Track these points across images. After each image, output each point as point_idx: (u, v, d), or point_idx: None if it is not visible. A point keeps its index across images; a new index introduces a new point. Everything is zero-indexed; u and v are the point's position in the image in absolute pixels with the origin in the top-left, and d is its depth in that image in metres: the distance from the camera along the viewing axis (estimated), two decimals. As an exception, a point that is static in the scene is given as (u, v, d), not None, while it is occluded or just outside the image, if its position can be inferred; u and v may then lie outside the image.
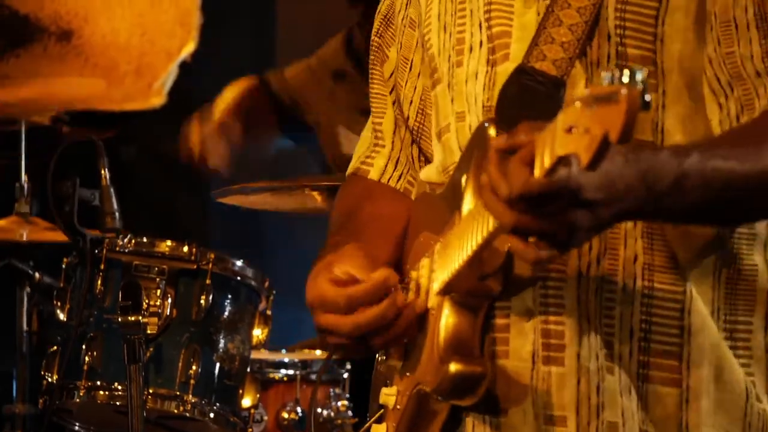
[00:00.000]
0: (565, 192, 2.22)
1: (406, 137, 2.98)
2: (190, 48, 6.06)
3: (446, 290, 2.54)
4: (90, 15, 6.20)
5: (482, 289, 2.55)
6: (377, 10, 3.08)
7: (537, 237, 2.30)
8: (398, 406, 2.71)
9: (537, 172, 2.17)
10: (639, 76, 2.02)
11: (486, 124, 2.54)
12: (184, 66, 6.07)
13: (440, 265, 2.60)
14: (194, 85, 6.38)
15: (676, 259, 2.62)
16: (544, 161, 2.16)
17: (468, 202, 2.48)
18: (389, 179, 3.00)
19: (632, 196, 2.36)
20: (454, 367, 2.49)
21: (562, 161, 2.14)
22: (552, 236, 2.30)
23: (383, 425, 2.76)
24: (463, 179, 2.54)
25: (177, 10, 6.16)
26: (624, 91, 2.03)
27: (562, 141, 2.13)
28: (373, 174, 3.03)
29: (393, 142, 3.01)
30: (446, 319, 2.56)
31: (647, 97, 2.05)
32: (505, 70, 2.62)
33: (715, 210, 2.55)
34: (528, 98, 2.59)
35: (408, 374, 2.71)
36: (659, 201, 2.42)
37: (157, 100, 6.06)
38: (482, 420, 2.64)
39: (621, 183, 2.34)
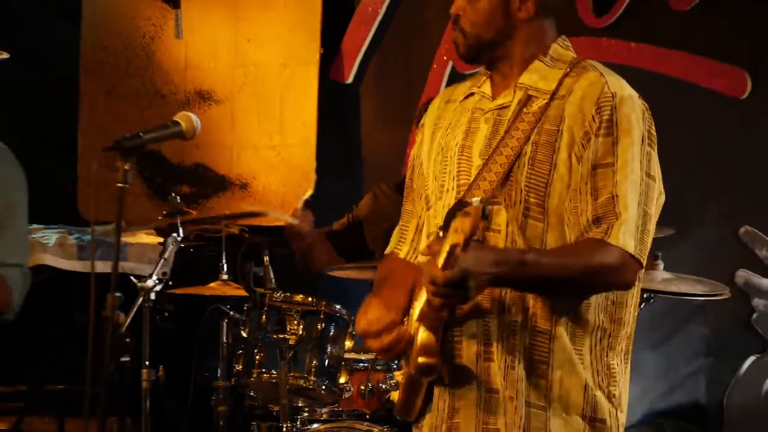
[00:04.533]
0: (456, 272, 3.03)
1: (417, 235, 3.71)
2: (309, 193, 7.66)
3: (419, 319, 3.37)
4: (257, 175, 7.98)
5: (438, 319, 3.34)
6: (411, 156, 3.82)
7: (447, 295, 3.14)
8: (403, 381, 3.56)
9: (439, 263, 3.07)
10: (484, 203, 3.01)
11: (438, 232, 3.24)
12: (307, 201, 7.42)
13: (417, 306, 3.43)
14: (316, 214, 7.02)
15: (549, 310, 3.40)
16: (440, 258, 3.05)
17: None
18: (409, 258, 3.75)
19: (491, 271, 3.19)
20: (421, 359, 3.33)
21: (452, 248, 2.99)
22: (455, 295, 3.16)
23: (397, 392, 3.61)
24: None
25: (302, 171, 7.77)
26: (474, 209, 2.97)
27: (452, 237, 3.00)
28: (401, 254, 3.76)
29: (412, 239, 3.72)
30: (420, 335, 3.35)
31: (486, 211, 3.02)
32: None
33: (546, 286, 3.36)
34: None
35: (406, 364, 3.52)
36: (509, 276, 3.26)
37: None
38: (443, 390, 3.48)
39: (483, 261, 3.16)
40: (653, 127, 3.44)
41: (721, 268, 6.70)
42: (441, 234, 3.17)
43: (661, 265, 5.65)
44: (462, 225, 3.03)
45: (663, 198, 3.49)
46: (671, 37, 6.98)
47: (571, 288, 3.38)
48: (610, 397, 3.48)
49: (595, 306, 3.44)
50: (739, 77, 6.87)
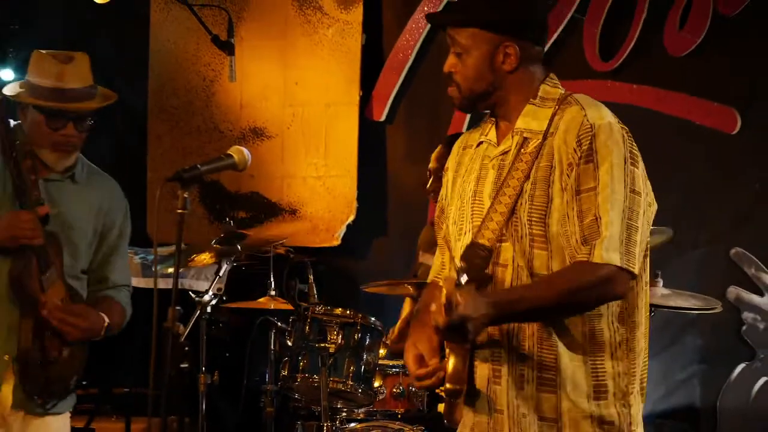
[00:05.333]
0: (454, 318, 3.10)
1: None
2: (351, 218, 7.74)
3: (449, 348, 3.38)
4: (305, 202, 7.96)
5: (464, 348, 3.34)
6: (440, 197, 3.79)
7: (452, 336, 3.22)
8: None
9: (442, 317, 3.15)
10: (462, 275, 3.18)
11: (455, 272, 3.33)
12: (348, 226, 7.68)
13: None
14: (354, 236, 7.79)
15: (554, 330, 3.36)
16: (442, 312, 3.13)
17: None
18: None
19: (486, 313, 3.21)
20: (449, 385, 3.33)
21: (448, 305, 3.12)
22: (457, 338, 3.23)
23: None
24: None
25: (345, 200, 7.76)
26: (460, 281, 3.17)
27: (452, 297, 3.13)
28: (440, 282, 3.70)
29: (450, 268, 3.70)
30: (450, 362, 3.35)
31: (462, 280, 3.16)
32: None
33: (542, 313, 3.35)
34: (474, 256, 3.40)
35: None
36: (504, 315, 3.31)
37: (336, 242, 7.74)
38: (467, 404, 3.49)
39: (478, 307, 3.20)
40: (635, 147, 3.38)
41: (713, 284, 6.69)
42: (456, 275, 3.26)
43: (660, 282, 5.64)
44: (445, 286, 3.15)
45: (654, 207, 3.44)
46: (669, 80, 6.99)
47: (567, 309, 3.36)
48: (627, 394, 3.42)
49: (607, 316, 3.39)
50: (729, 115, 6.90)
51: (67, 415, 4.62)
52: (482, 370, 3.43)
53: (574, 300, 3.30)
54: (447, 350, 3.36)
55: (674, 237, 5.62)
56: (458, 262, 3.43)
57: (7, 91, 4.43)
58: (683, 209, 6.77)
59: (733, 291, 6.87)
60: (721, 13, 6.86)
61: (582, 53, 7.13)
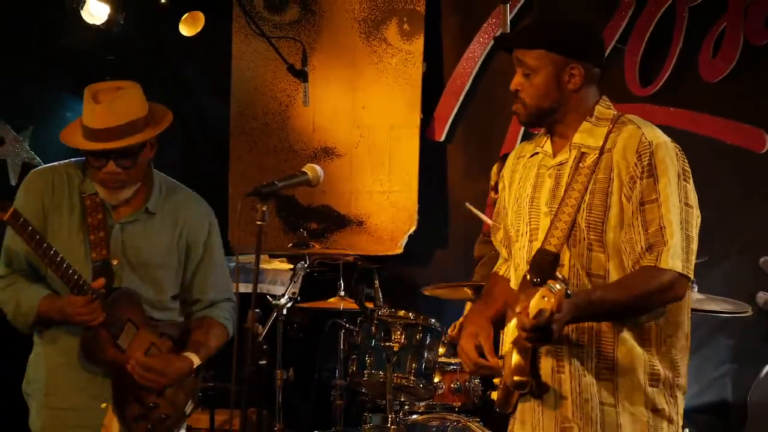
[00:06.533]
0: (542, 323, 3.08)
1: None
2: (413, 229, 7.72)
3: (513, 342, 3.37)
4: (371, 214, 7.91)
5: (525, 344, 3.33)
6: (498, 201, 3.80)
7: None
8: (500, 386, 3.53)
9: (529, 319, 3.12)
10: (560, 285, 3.07)
11: (526, 275, 3.40)
12: (410, 236, 7.70)
13: (509, 330, 3.46)
14: (416, 246, 7.73)
15: (612, 326, 3.38)
16: (529, 313, 3.10)
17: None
18: (506, 274, 3.76)
19: (567, 316, 3.21)
20: (516, 378, 3.36)
21: (540, 312, 3.07)
22: (541, 338, 3.19)
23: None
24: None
25: (407, 212, 7.74)
26: (556, 290, 3.08)
27: (539, 302, 3.08)
28: (501, 272, 3.80)
29: (508, 262, 3.72)
30: (514, 357, 3.37)
31: (568, 293, 3.11)
32: (535, 246, 3.46)
33: (614, 314, 3.36)
34: (543, 261, 3.41)
35: (502, 375, 3.50)
36: (583, 316, 3.31)
37: (398, 251, 7.72)
38: (533, 394, 3.47)
39: (563, 308, 3.15)
40: (686, 164, 3.43)
41: (744, 290, 6.65)
42: (528, 277, 3.32)
43: (695, 288, 5.64)
44: (549, 299, 3.09)
45: (700, 219, 3.47)
46: (702, 104, 6.97)
47: (635, 310, 3.38)
48: (673, 387, 3.45)
49: (656, 315, 3.42)
50: (758, 136, 6.87)
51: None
52: (546, 363, 3.44)
53: (644, 302, 3.33)
54: (509, 344, 3.38)
55: (708, 247, 5.45)
56: (519, 262, 3.50)
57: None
58: (716, 222, 6.66)
59: (762, 296, 6.82)
60: (751, 43, 6.87)
61: (623, 79, 7.14)
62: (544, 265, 3.38)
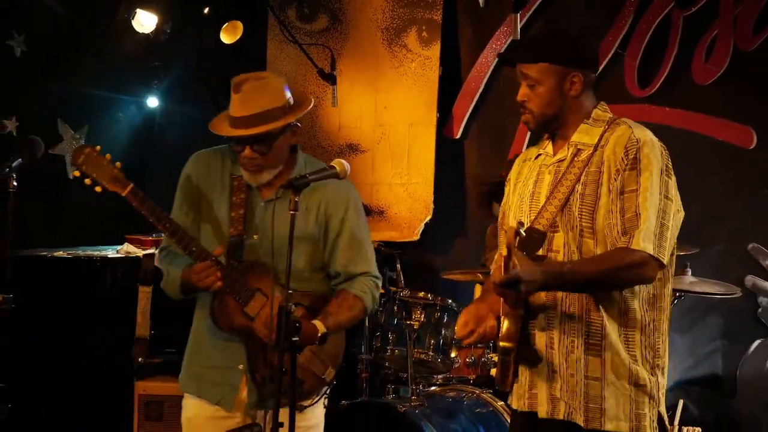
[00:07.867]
0: (510, 276, 3.13)
1: None
2: (429, 217, 7.63)
3: (504, 314, 3.36)
4: (390, 205, 7.83)
5: (517, 316, 3.36)
6: (502, 204, 3.80)
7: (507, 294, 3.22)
8: (498, 362, 3.48)
9: (502, 273, 3.15)
10: (521, 227, 3.12)
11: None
12: (426, 224, 7.62)
13: (503, 307, 3.40)
14: (434, 234, 7.69)
15: (600, 307, 3.40)
16: (502, 270, 3.13)
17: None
18: None
19: (537, 278, 3.22)
20: (502, 343, 3.35)
21: (504, 258, 3.12)
22: (511, 294, 3.21)
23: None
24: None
25: (423, 203, 7.64)
26: (509, 228, 3.11)
27: (502, 249, 3.15)
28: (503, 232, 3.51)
29: None
30: (504, 325, 3.38)
31: (522, 230, 3.11)
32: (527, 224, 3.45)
33: (585, 286, 3.36)
34: (530, 238, 3.39)
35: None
36: (553, 282, 3.29)
37: (415, 237, 7.63)
38: (525, 368, 3.50)
39: (532, 272, 3.20)
40: (670, 163, 3.41)
41: (733, 274, 6.63)
42: (518, 228, 3.21)
43: (689, 272, 5.69)
44: (504, 239, 3.11)
45: (682, 214, 3.45)
46: (696, 104, 6.92)
47: (606, 284, 3.34)
48: (654, 367, 3.43)
49: (640, 300, 3.40)
50: (746, 133, 6.83)
51: (321, 404, 4.21)
52: (540, 338, 3.44)
53: (613, 276, 3.29)
54: (502, 315, 3.35)
55: (700, 235, 5.60)
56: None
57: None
58: (708, 211, 6.70)
59: (750, 279, 6.79)
60: (740, 49, 6.82)
61: (623, 81, 7.10)
62: (532, 242, 3.38)
